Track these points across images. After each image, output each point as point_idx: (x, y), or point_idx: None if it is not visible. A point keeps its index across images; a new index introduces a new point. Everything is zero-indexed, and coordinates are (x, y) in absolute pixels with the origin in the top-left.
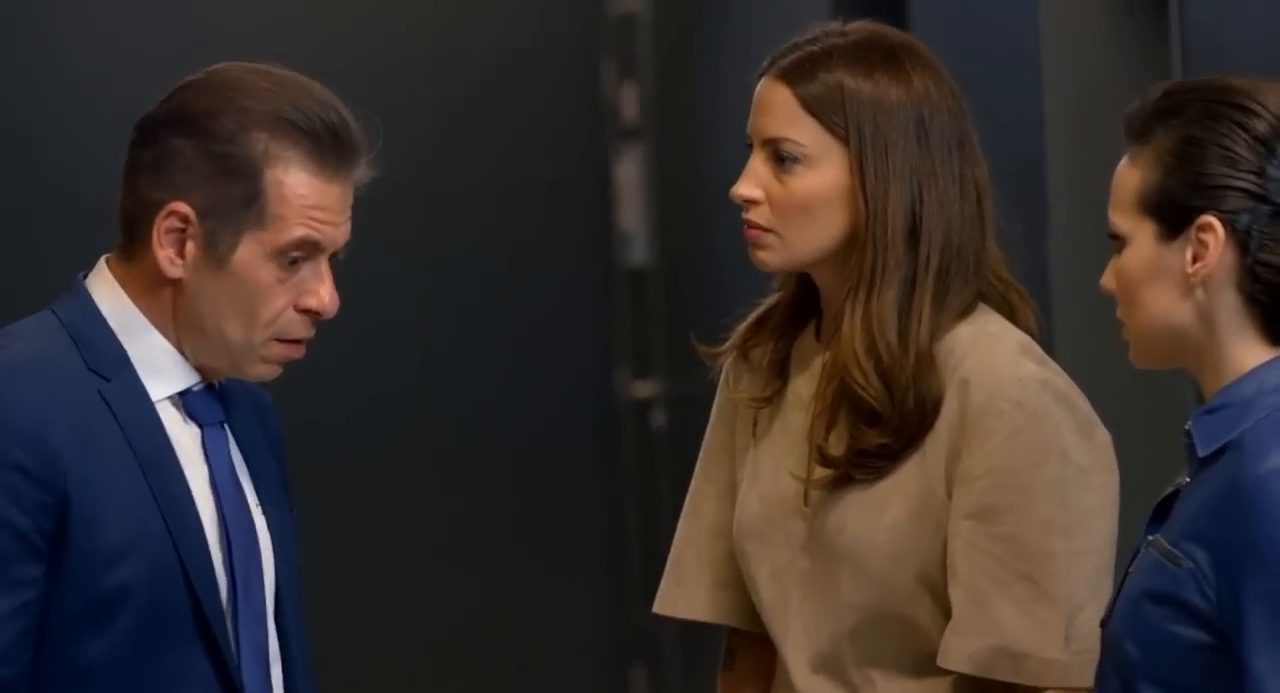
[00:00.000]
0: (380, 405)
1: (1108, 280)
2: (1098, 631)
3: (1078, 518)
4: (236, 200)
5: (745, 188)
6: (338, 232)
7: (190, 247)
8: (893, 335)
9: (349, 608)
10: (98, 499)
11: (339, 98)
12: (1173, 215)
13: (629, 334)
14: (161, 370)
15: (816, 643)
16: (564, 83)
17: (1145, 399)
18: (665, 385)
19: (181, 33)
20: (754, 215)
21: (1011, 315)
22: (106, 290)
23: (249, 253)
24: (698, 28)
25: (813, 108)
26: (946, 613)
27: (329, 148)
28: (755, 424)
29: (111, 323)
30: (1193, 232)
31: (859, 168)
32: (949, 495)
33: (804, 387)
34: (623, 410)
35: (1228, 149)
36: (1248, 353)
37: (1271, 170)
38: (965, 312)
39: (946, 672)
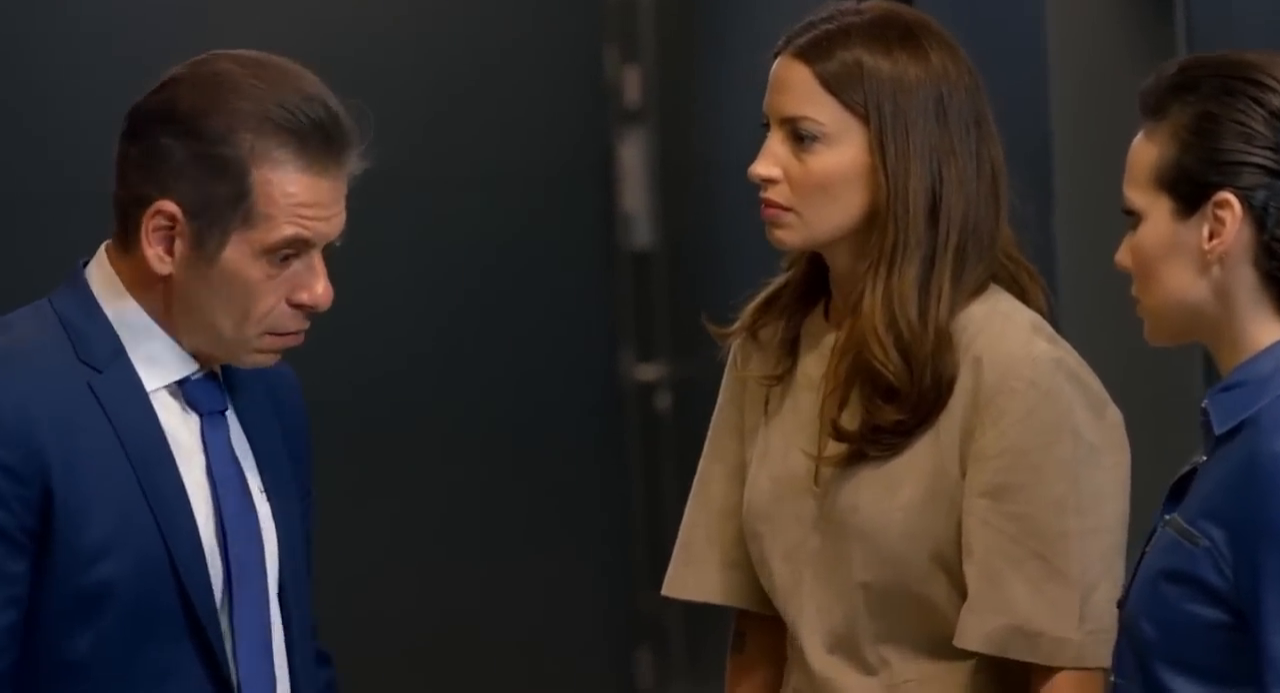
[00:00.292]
0: (384, 390)
1: (1122, 257)
2: (1112, 610)
3: (1090, 497)
4: (224, 200)
5: (764, 167)
6: (329, 225)
7: (179, 244)
8: (913, 312)
9: (351, 592)
10: (82, 494)
11: (331, 88)
12: (1189, 192)
13: (633, 317)
14: (158, 360)
15: (830, 623)
16: (566, 66)
17: (1150, 379)
18: (669, 368)
19: (185, 16)
20: (772, 194)
21: (1022, 295)
22: (104, 280)
23: (237, 252)
24: (700, 10)
25: (832, 86)
26: (962, 592)
27: (317, 144)
28: (766, 403)
29: (108, 313)
30: (1209, 208)
31: (879, 146)
32: (963, 474)
33: (814, 366)
34: (627, 393)
35: (1244, 125)
36: (1264, 330)
37: None
38: (979, 290)
39: (962, 651)
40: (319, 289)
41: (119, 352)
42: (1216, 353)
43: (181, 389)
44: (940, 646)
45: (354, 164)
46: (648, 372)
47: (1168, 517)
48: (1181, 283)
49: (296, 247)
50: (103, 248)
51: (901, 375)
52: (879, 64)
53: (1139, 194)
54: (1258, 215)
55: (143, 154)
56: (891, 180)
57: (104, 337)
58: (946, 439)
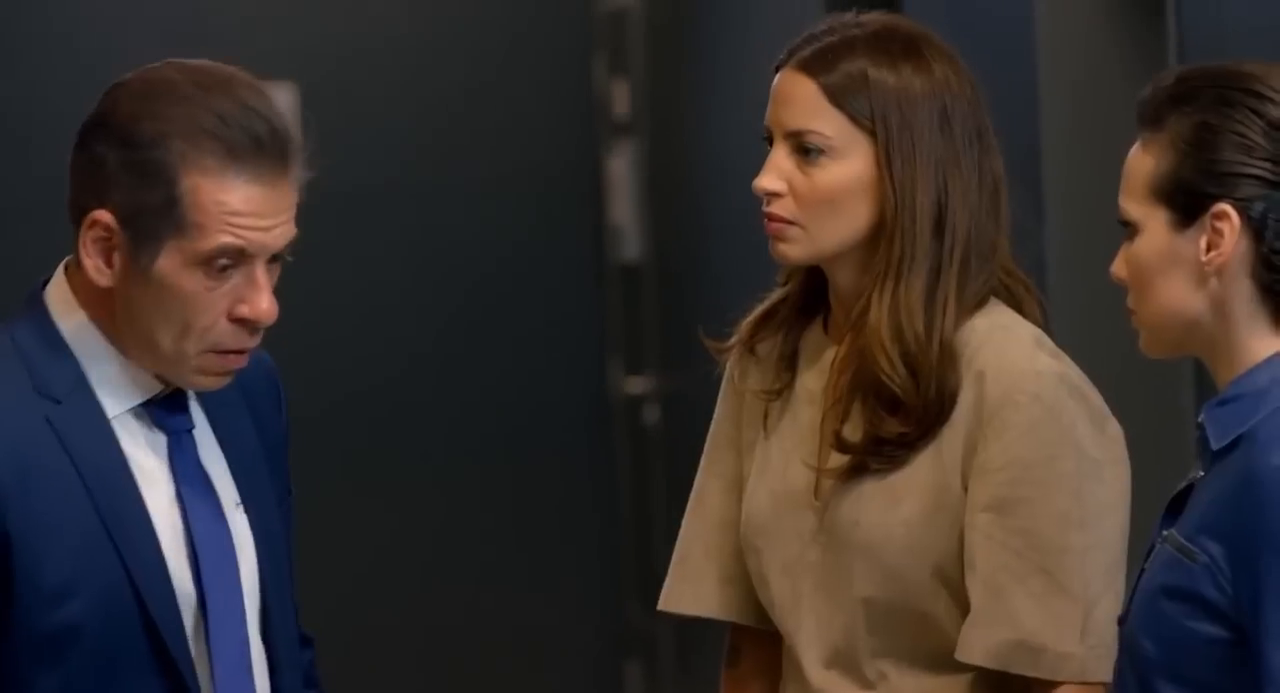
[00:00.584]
0: (372, 402)
1: (1118, 268)
2: (1114, 625)
3: (1093, 511)
4: (155, 208)
5: (768, 181)
6: (268, 236)
7: (116, 255)
8: (920, 324)
9: (340, 605)
10: (40, 537)
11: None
12: (1187, 203)
13: (621, 330)
14: (118, 384)
15: (830, 637)
16: (555, 78)
17: (1141, 391)
18: (658, 381)
19: (178, 29)
20: (776, 208)
21: (1018, 308)
22: (61, 301)
23: (171, 262)
24: (689, 23)
25: (838, 99)
26: (962, 607)
27: (250, 152)
28: (765, 418)
29: (67, 337)
30: (1207, 220)
31: (886, 158)
32: (965, 489)
33: (813, 381)
34: (616, 407)
35: (1243, 136)
36: (1261, 343)
37: None
38: (980, 303)
39: (962, 665)
40: (262, 304)
41: (79, 380)
42: (1212, 366)
43: (147, 410)
44: (939, 660)
45: (298, 176)
46: (636, 385)
47: (1166, 533)
48: (1178, 295)
49: (232, 256)
50: (61, 267)
51: (907, 387)
52: (884, 76)
53: (1135, 205)
54: (1256, 227)
55: (83, 164)
56: (899, 193)
57: (63, 366)
58: (948, 454)
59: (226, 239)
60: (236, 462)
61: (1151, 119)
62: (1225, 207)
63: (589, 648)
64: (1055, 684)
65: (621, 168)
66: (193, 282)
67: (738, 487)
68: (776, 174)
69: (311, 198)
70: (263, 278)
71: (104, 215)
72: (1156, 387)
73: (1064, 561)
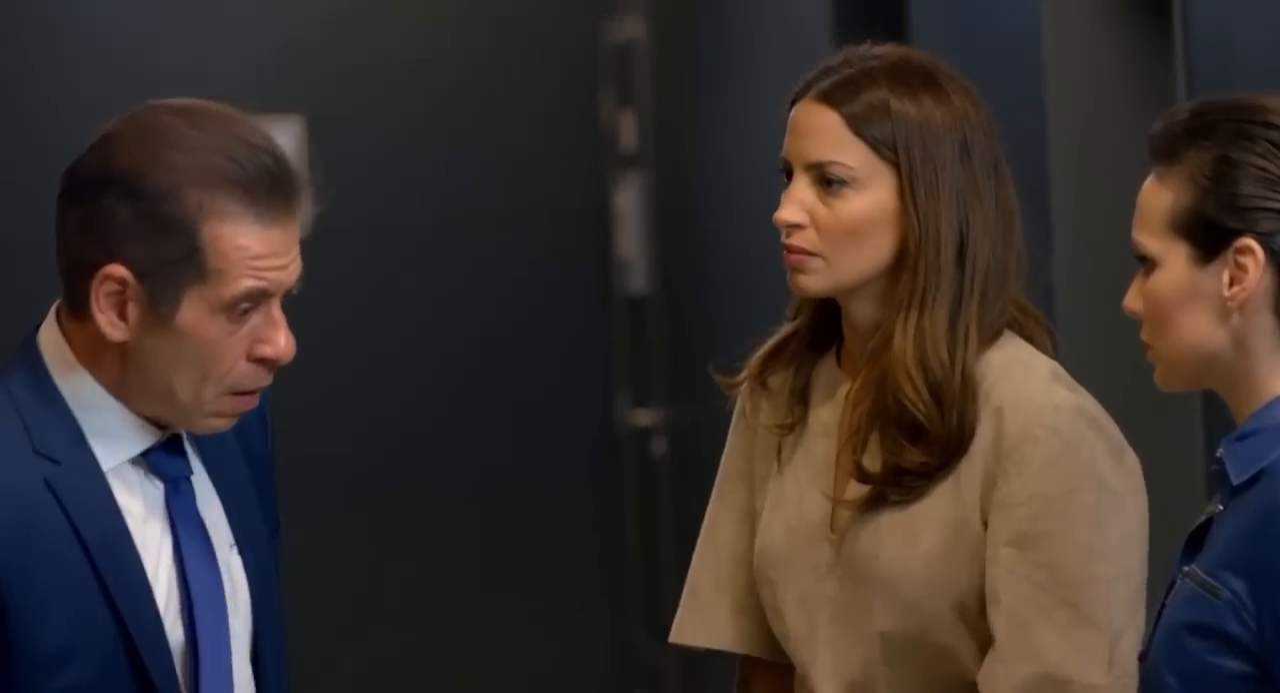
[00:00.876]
0: (380, 432)
1: (1132, 302)
2: (1137, 655)
3: (1115, 543)
4: (175, 259)
5: (790, 213)
6: (285, 274)
7: (132, 308)
8: (944, 353)
9: (346, 633)
10: (39, 604)
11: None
12: (1208, 238)
13: (628, 362)
14: (115, 435)
15: (847, 671)
16: (563, 111)
17: (1149, 422)
18: (665, 413)
19: (184, 64)
20: (797, 240)
21: (1030, 341)
22: (55, 351)
23: (194, 310)
24: (696, 56)
25: (860, 129)
26: (981, 640)
27: (265, 193)
28: (779, 452)
29: (63, 390)
30: (1230, 255)
31: (910, 189)
32: (984, 524)
33: (827, 414)
34: (623, 438)
35: (1264, 170)
36: None
37: None
38: (995, 335)
39: None
40: (281, 342)
41: (76, 437)
42: (1231, 399)
43: (144, 458)
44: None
45: (305, 209)
46: (643, 416)
47: (1186, 568)
48: (1200, 330)
49: (254, 299)
50: (53, 313)
51: (932, 414)
52: (906, 106)
53: (1152, 240)
54: (1278, 261)
55: (84, 217)
56: (922, 223)
57: (61, 423)
58: (968, 489)
59: (250, 283)
60: (231, 501)
61: (1167, 153)
62: (1249, 241)
63: (596, 679)
64: None
65: (629, 200)
66: (216, 328)
67: (749, 519)
68: (798, 206)
69: (319, 230)
70: (279, 316)
71: (118, 269)
72: (1165, 418)
73: (1088, 592)
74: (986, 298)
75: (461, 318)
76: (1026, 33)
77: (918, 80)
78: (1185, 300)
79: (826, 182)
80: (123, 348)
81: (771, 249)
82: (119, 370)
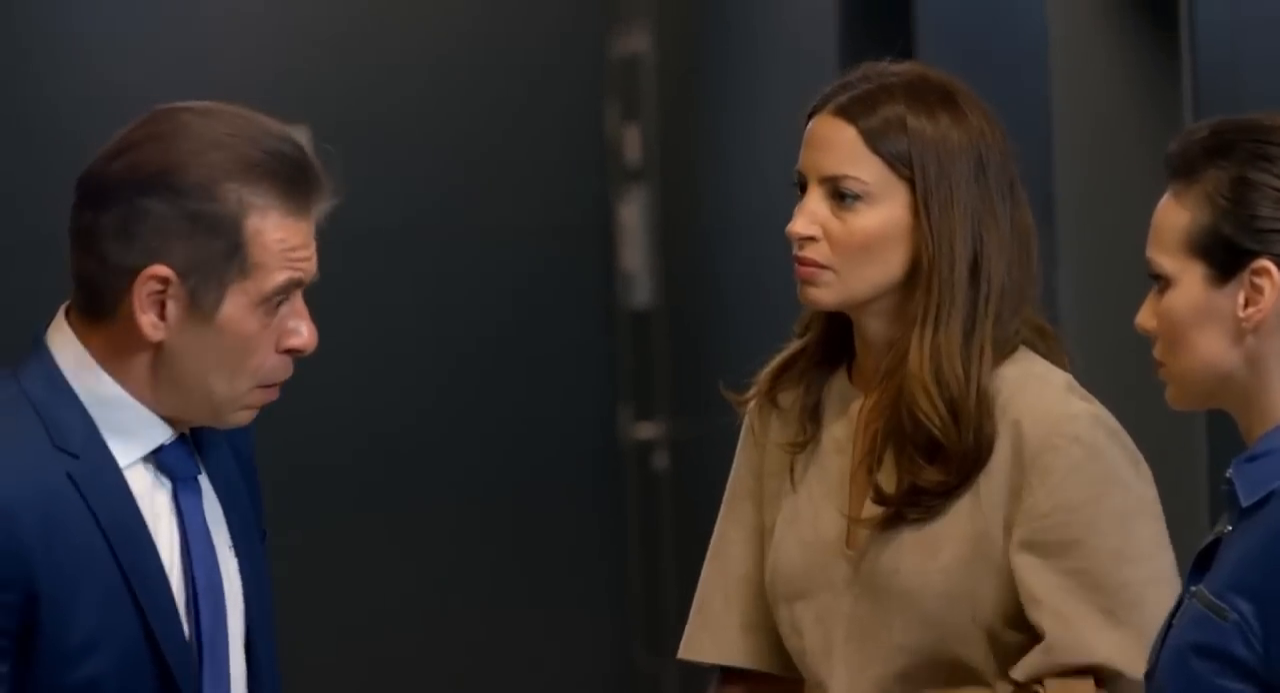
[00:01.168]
0: (383, 444)
1: (1145, 320)
2: None
3: (1146, 547)
4: (219, 255)
5: (802, 226)
6: (312, 264)
7: (171, 307)
8: (960, 370)
9: (351, 645)
10: (68, 593)
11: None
12: (1224, 258)
13: (632, 376)
14: (130, 431)
15: (863, 687)
16: (568, 124)
17: (1154, 442)
18: (668, 427)
19: (190, 74)
20: (810, 253)
21: (1045, 358)
22: (70, 354)
23: (235, 305)
24: (701, 69)
25: (877, 145)
26: (1000, 654)
27: (298, 184)
28: (791, 470)
29: (77, 389)
30: (1246, 276)
31: (924, 206)
32: (1007, 536)
33: (840, 430)
34: (625, 452)
35: None
36: None
37: None
38: (1010, 352)
39: None
40: (306, 331)
41: (92, 434)
42: (1242, 420)
43: (153, 457)
44: None
45: (325, 204)
46: (646, 430)
47: (1194, 588)
48: (1214, 350)
49: (289, 291)
50: (61, 315)
51: (949, 431)
52: (923, 124)
53: (1168, 259)
54: None
55: (120, 222)
56: (936, 240)
57: (77, 419)
58: (988, 502)
59: (288, 274)
60: (229, 503)
61: (1184, 171)
62: (1266, 263)
63: (597, 692)
64: None
65: (633, 214)
66: (254, 321)
67: (758, 536)
68: (810, 219)
69: (324, 242)
70: (304, 307)
71: (161, 269)
72: (1169, 436)
73: (1121, 596)
74: (1001, 318)
75: (465, 330)
76: (1033, 47)
77: (935, 98)
78: (1200, 320)
79: (840, 195)
80: (157, 348)
81: (776, 263)
82: (150, 371)
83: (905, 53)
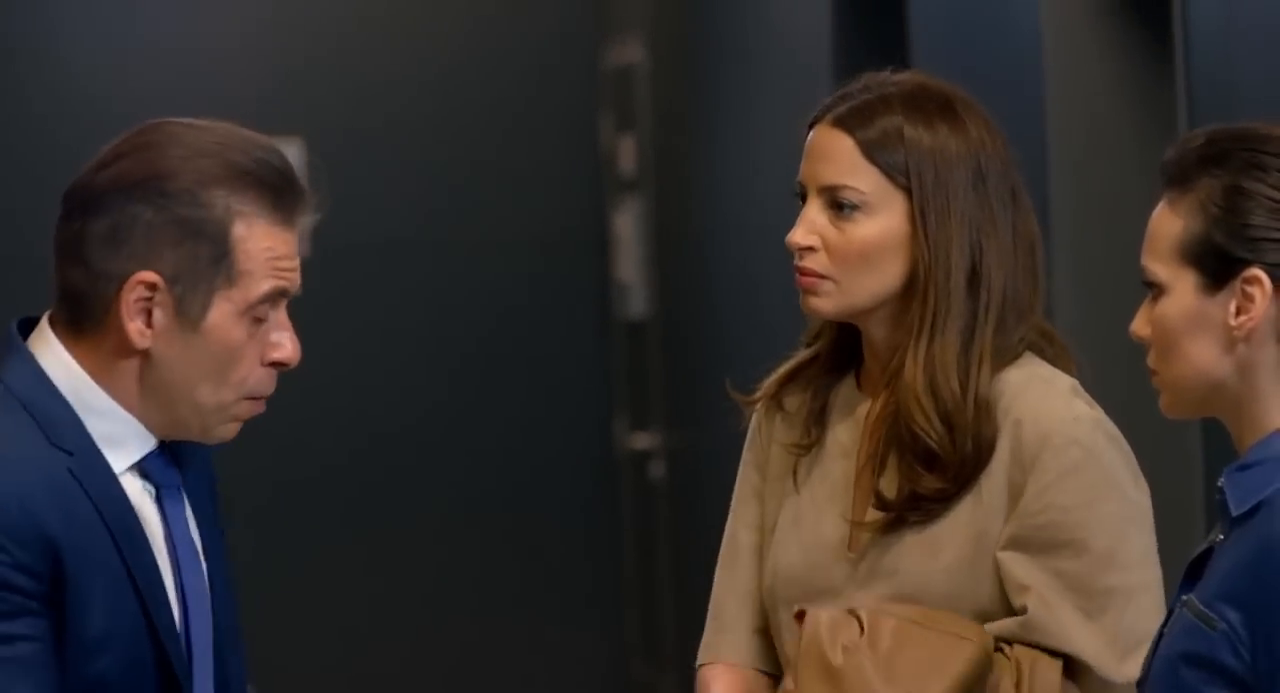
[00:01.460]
0: (378, 455)
1: (1139, 328)
2: None
3: (1138, 554)
4: (205, 261)
5: (801, 236)
6: (297, 276)
7: (158, 315)
8: (955, 381)
9: (343, 655)
10: (87, 582)
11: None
12: (1217, 267)
13: (627, 385)
14: (120, 443)
15: None
16: (562, 135)
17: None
18: (664, 437)
19: (184, 85)
20: (809, 263)
21: (1051, 364)
22: (56, 361)
23: (221, 313)
24: (695, 80)
25: (874, 155)
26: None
27: (284, 194)
28: (795, 472)
29: (67, 396)
30: (1238, 284)
31: (920, 215)
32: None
33: (845, 434)
34: (621, 462)
35: (1275, 201)
36: None
37: None
38: (1015, 358)
39: None
40: (289, 345)
41: (83, 434)
42: (1234, 429)
43: (139, 465)
44: None
45: (309, 219)
46: (642, 440)
47: (1185, 597)
48: (1206, 358)
49: (274, 300)
50: (45, 323)
51: (944, 442)
52: (920, 134)
53: (1161, 266)
54: None
55: (109, 230)
56: (932, 249)
57: (68, 418)
58: (989, 501)
59: (273, 283)
60: (198, 509)
61: (1179, 179)
62: (1257, 271)
63: None
64: None
65: (628, 224)
66: (240, 330)
67: (766, 536)
68: (809, 229)
69: (318, 252)
70: (287, 320)
71: (148, 276)
72: (1166, 444)
73: (1103, 601)
74: (1004, 325)
75: (460, 341)
76: (1027, 54)
77: (933, 107)
78: (1192, 328)
79: (838, 205)
80: (144, 356)
81: (770, 273)
82: (137, 381)
83: (900, 61)
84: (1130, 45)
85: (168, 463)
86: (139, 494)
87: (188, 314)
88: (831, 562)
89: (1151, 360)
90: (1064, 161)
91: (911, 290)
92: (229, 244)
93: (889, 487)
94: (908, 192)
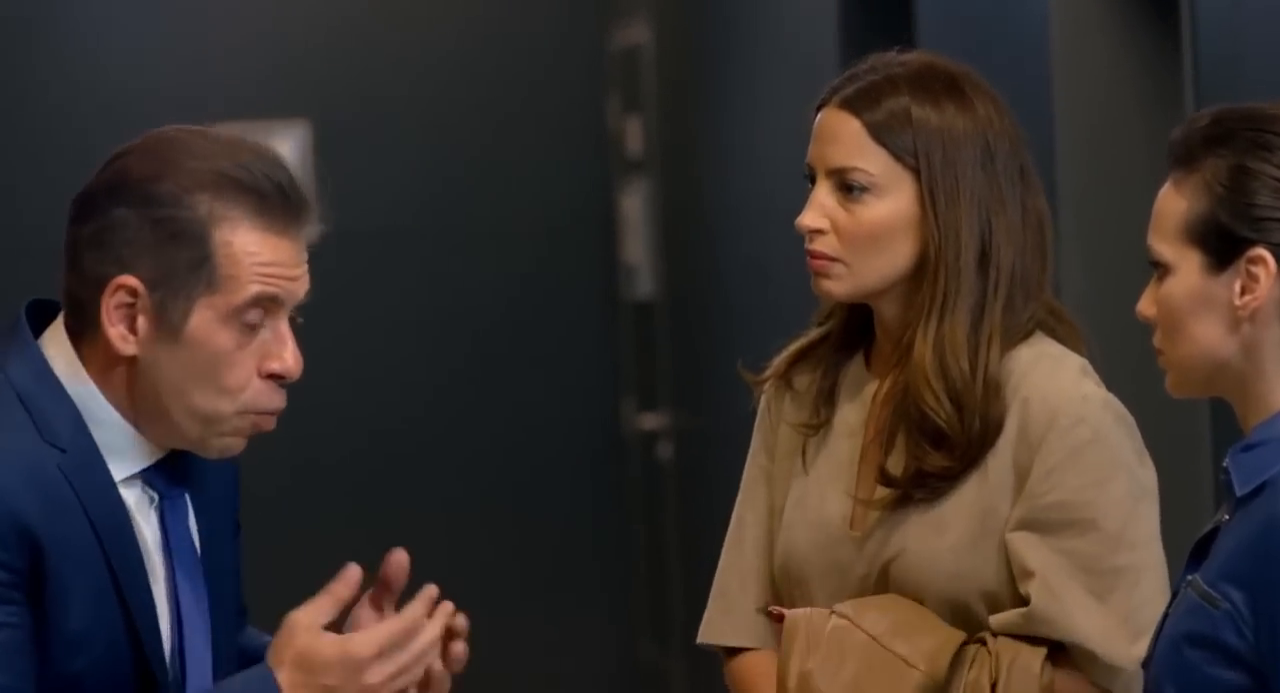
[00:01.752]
0: (386, 438)
1: (1145, 307)
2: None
3: (1144, 535)
4: (184, 266)
5: (811, 219)
6: (295, 286)
7: (141, 321)
8: (964, 360)
9: None
10: (68, 578)
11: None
12: (1221, 246)
13: (635, 367)
14: (119, 451)
15: None
16: (569, 116)
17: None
18: (671, 418)
19: (193, 71)
20: (819, 245)
21: (1062, 344)
22: (64, 362)
23: (203, 319)
24: (701, 61)
25: (882, 137)
26: None
27: (275, 202)
28: (804, 452)
29: (71, 393)
30: (1242, 264)
31: (930, 196)
32: (1010, 513)
33: (853, 414)
34: (629, 443)
35: (1279, 180)
36: None
37: None
38: (1025, 337)
39: None
40: (289, 356)
41: (80, 432)
42: (1239, 409)
43: (141, 474)
44: None
45: (312, 229)
46: (649, 421)
47: (1190, 578)
48: (1211, 338)
49: (263, 306)
50: (60, 322)
51: (953, 422)
52: (927, 114)
53: (1167, 246)
54: None
55: (96, 233)
56: (942, 230)
57: (64, 414)
58: (995, 479)
59: (258, 288)
60: (213, 526)
61: (1185, 159)
62: (1261, 251)
63: (601, 685)
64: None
65: (635, 206)
66: (225, 338)
67: (774, 518)
68: (819, 212)
69: (328, 237)
70: (288, 332)
71: (129, 280)
72: (1173, 424)
73: (1112, 581)
74: (1013, 304)
75: (468, 323)
76: (1034, 37)
77: (941, 87)
78: (1197, 308)
79: (847, 187)
80: (132, 365)
81: (778, 254)
82: (128, 387)
83: (906, 41)
84: (1137, 26)
85: (172, 477)
86: (137, 500)
87: (169, 320)
88: (837, 541)
89: (1157, 340)
90: (1071, 142)
91: (922, 271)
92: (210, 248)
93: (895, 465)
94: (916, 172)
